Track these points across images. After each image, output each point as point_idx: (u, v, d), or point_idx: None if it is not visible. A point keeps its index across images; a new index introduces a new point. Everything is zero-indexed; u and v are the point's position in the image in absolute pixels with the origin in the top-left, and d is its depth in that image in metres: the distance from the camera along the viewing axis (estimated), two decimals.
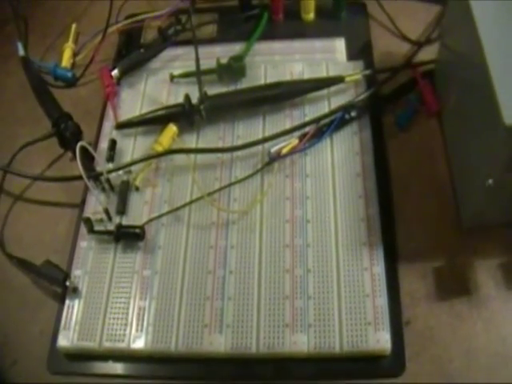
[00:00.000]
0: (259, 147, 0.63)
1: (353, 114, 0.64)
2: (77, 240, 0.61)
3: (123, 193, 0.62)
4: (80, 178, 0.59)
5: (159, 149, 0.63)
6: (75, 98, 0.74)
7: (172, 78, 0.70)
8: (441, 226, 0.58)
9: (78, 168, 0.57)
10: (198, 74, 0.66)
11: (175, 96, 0.69)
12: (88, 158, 0.62)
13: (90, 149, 0.60)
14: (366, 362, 0.51)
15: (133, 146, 0.66)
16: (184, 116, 0.65)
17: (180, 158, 0.63)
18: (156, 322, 0.54)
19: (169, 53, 0.74)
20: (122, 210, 0.61)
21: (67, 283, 0.57)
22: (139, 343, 0.54)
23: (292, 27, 0.75)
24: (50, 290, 0.59)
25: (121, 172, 0.63)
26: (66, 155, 0.69)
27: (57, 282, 0.58)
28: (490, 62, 0.46)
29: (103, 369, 0.55)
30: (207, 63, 0.68)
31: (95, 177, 0.62)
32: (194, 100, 0.65)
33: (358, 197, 0.59)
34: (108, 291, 0.57)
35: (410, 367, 0.51)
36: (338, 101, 0.65)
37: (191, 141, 0.65)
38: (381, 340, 0.51)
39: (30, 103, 0.71)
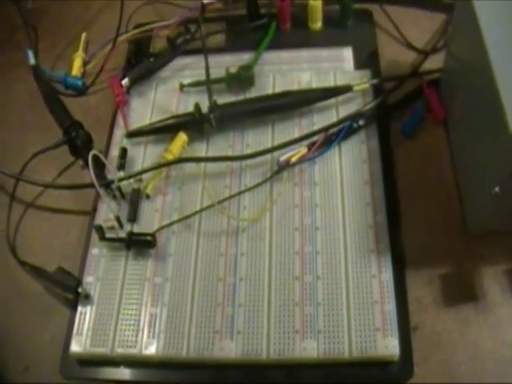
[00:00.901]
0: (268, 156, 0.63)
1: (361, 122, 0.64)
2: (88, 247, 0.61)
3: (134, 201, 0.62)
4: (91, 185, 0.59)
5: (169, 157, 0.64)
6: (85, 106, 0.75)
7: (182, 87, 0.71)
8: (447, 232, 0.59)
9: (90, 176, 0.57)
10: (208, 83, 0.67)
11: (185, 105, 0.69)
12: (99, 166, 0.62)
13: (102, 157, 0.61)
14: (375, 368, 0.52)
15: (143, 155, 0.67)
16: (194, 125, 0.65)
17: (190, 167, 0.64)
18: (167, 328, 0.55)
19: (178, 62, 0.75)
20: (133, 217, 0.62)
21: (79, 290, 0.57)
22: (151, 349, 0.54)
23: (299, 36, 0.76)
24: (62, 296, 0.60)
25: (132, 180, 0.63)
26: (76, 163, 0.69)
27: (69, 289, 0.58)
28: (495, 71, 0.47)
29: (115, 374, 0.55)
30: (216, 72, 0.69)
31: (106, 185, 0.62)
32: (204, 109, 0.65)
33: (365, 204, 0.59)
34: (120, 298, 0.57)
35: (418, 372, 0.51)
36: (345, 110, 0.66)
37: (201, 149, 0.66)
38: (389, 346, 0.51)
39: (40, 111, 0.72)
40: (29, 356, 0.58)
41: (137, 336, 0.55)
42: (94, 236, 0.61)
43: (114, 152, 0.67)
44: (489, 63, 0.47)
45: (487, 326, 0.54)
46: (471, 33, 0.52)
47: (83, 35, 0.81)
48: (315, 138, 0.63)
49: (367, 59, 0.72)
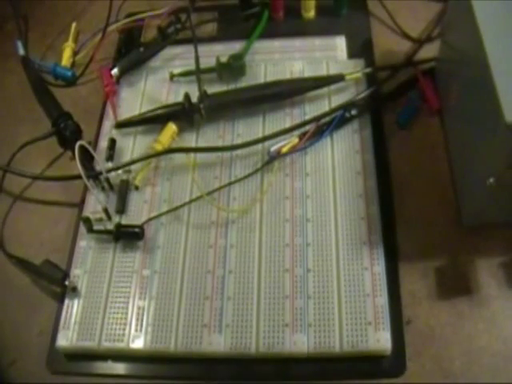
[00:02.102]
0: (259, 146, 0.62)
1: (353, 112, 0.63)
2: (76, 239, 0.60)
3: (123, 192, 0.62)
4: (79, 177, 0.58)
5: (159, 148, 0.63)
6: (75, 97, 0.74)
7: (172, 76, 0.70)
8: (442, 224, 0.58)
9: (78, 167, 0.57)
10: (197, 73, 0.66)
11: (175, 95, 0.69)
12: (87, 158, 0.62)
13: (90, 148, 0.60)
14: (367, 362, 0.51)
15: (132, 145, 0.66)
16: (184, 115, 0.65)
17: (180, 157, 0.63)
18: (155, 321, 0.54)
19: (168, 51, 0.74)
20: (121, 209, 0.61)
21: (66, 282, 0.57)
22: (138, 343, 0.53)
23: (292, 25, 0.75)
24: (50, 289, 0.59)
25: (120, 171, 0.63)
26: (65, 154, 0.68)
27: (56, 282, 0.58)
28: (491, 60, 0.46)
29: (102, 369, 0.54)
30: (207, 62, 0.68)
31: (94, 176, 0.62)
32: (194, 99, 0.65)
33: (358, 195, 0.58)
34: (107, 291, 0.57)
35: (411, 367, 0.51)
36: (338, 99, 0.65)
37: (191, 140, 0.65)
38: (381, 340, 0.50)
39: (30, 102, 0.71)
40: (16, 349, 0.57)
41: (124, 329, 0.54)
42: (82, 228, 0.60)
43: (103, 143, 0.66)
44: (484, 52, 0.47)
45: (482, 319, 0.53)
46: (466, 21, 0.51)
47: (73, 25, 0.80)
48: (307, 128, 0.62)
49: (361, 48, 0.71)
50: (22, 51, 0.77)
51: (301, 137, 0.62)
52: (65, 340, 0.54)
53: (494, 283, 0.54)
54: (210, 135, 0.65)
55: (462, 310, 0.54)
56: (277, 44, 0.73)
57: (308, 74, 0.68)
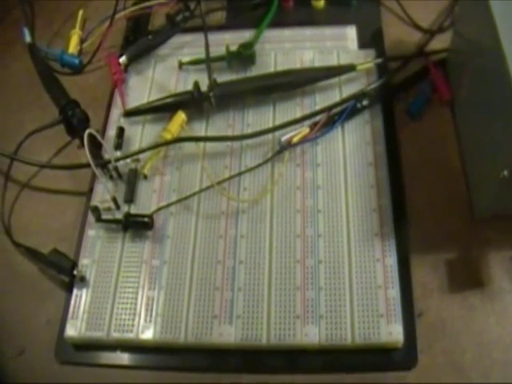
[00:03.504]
0: (269, 136, 0.62)
1: (364, 102, 0.63)
2: (84, 228, 0.60)
3: (131, 181, 0.61)
4: (87, 165, 0.58)
5: (168, 136, 0.62)
6: (82, 84, 0.73)
7: (181, 64, 0.70)
8: (453, 216, 0.58)
9: (86, 156, 0.57)
10: (207, 61, 0.66)
11: (184, 83, 0.68)
12: (96, 146, 0.61)
13: (98, 136, 0.60)
14: (378, 355, 0.51)
15: (141, 134, 0.65)
16: (193, 103, 0.64)
17: (189, 146, 0.63)
18: (165, 312, 0.54)
19: (177, 39, 0.74)
20: (130, 198, 0.61)
21: (75, 272, 0.57)
22: (148, 334, 0.53)
23: (302, 14, 0.75)
24: (58, 278, 0.59)
25: (129, 160, 0.62)
26: (73, 143, 0.68)
27: (64, 271, 0.57)
28: (506, 50, 0.45)
29: (111, 359, 0.54)
30: (216, 50, 0.68)
31: (103, 165, 0.61)
32: (204, 87, 0.64)
33: (369, 187, 0.58)
34: (116, 281, 0.56)
35: (422, 359, 0.50)
36: (349, 89, 0.64)
37: (200, 128, 0.65)
38: (393, 332, 0.50)
39: (37, 90, 0.71)
40: (24, 339, 0.57)
41: (133, 320, 0.54)
42: (90, 217, 0.60)
43: (111, 131, 0.66)
44: (499, 42, 0.46)
45: (494, 313, 0.53)
46: (480, 11, 0.50)
47: (80, 12, 0.80)
48: (318, 118, 0.62)
49: (371, 38, 0.70)
50: (28, 38, 0.76)
51: (312, 127, 0.61)
52: (73, 330, 0.54)
53: (506, 276, 0.54)
54: (220, 124, 0.65)
55: (474, 303, 0.53)
56: (287, 33, 0.72)
57: (318, 63, 0.68)
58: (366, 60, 0.66)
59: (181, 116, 0.64)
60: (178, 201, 0.59)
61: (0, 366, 0.56)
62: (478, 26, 0.53)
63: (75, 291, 0.56)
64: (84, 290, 0.56)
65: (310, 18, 0.74)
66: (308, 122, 0.62)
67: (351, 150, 0.61)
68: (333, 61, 0.68)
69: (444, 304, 0.54)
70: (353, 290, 0.53)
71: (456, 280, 0.55)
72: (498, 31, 0.47)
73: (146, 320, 0.54)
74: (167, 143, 0.62)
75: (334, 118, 0.62)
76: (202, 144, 0.63)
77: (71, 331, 0.54)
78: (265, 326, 0.52)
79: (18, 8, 0.82)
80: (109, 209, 0.60)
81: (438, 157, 0.62)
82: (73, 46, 0.77)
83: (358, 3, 0.74)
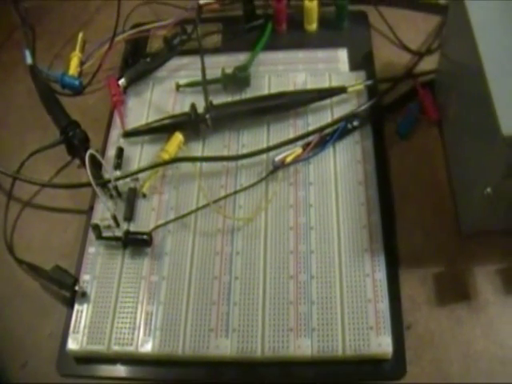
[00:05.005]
0: (264, 156, 0.64)
1: (355, 123, 0.64)
2: (85, 246, 0.61)
3: (131, 200, 0.63)
4: (88, 184, 0.60)
5: (166, 157, 0.64)
6: (83, 106, 0.75)
7: (178, 87, 0.71)
8: (441, 232, 0.59)
9: (87, 175, 0.58)
10: (204, 84, 0.67)
11: (181, 105, 0.70)
12: (96, 166, 0.63)
13: (99, 156, 0.61)
14: (368, 366, 0.52)
15: (140, 154, 0.67)
16: (190, 125, 0.66)
17: (186, 166, 0.64)
18: (163, 326, 0.55)
19: (174, 62, 0.75)
20: (129, 216, 0.62)
21: (76, 288, 0.58)
22: (147, 347, 0.54)
23: (295, 37, 0.76)
24: (59, 294, 0.60)
25: (128, 179, 0.64)
26: (73, 162, 0.69)
27: (66, 287, 0.58)
28: (488, 73, 0.47)
29: (112, 372, 0.55)
30: (212, 73, 0.69)
31: (103, 184, 0.63)
32: (200, 109, 0.66)
33: (360, 204, 0.60)
34: (116, 296, 0.58)
35: (411, 370, 0.52)
36: (340, 110, 0.66)
37: (197, 149, 0.66)
38: (382, 344, 0.52)
39: (38, 111, 0.73)
40: (27, 352, 0.58)
41: (133, 334, 0.55)
42: (91, 235, 0.61)
43: (111, 151, 0.67)
44: (481, 66, 0.47)
45: (480, 324, 0.54)
46: (464, 34, 0.52)
47: (80, 35, 0.81)
48: (310, 139, 0.64)
49: (362, 60, 0.72)
50: (29, 60, 0.77)
51: (304, 147, 0.63)
52: (75, 344, 0.55)
53: (492, 289, 0.56)
54: (216, 145, 0.66)
55: (460, 316, 0.55)
56: (280, 56, 0.74)
57: (311, 85, 0.69)
58: (356, 82, 0.68)
59: (178, 137, 0.65)
60: (176, 219, 0.61)
61: (4, 378, 0.57)
62: (463, 49, 0.55)
63: (76, 306, 0.58)
64: (85, 305, 0.58)
65: (303, 41, 0.76)
66: (301, 143, 0.64)
67: (342, 169, 0.62)
68: (325, 82, 0.70)
69: (432, 316, 0.55)
70: (344, 303, 0.54)
71: (443, 293, 0.56)
72: (481, 55, 0.48)
73: (145, 334, 0.55)
74: (165, 163, 0.64)
75: (325, 138, 0.64)
76: (198, 164, 0.64)
77: (73, 344, 0.55)
78: (259, 339, 0.53)
79: (19, 30, 0.83)
80: (109, 226, 0.61)
81: (427, 174, 0.63)
82: (73, 68, 0.78)
83: (348, 26, 0.76)
